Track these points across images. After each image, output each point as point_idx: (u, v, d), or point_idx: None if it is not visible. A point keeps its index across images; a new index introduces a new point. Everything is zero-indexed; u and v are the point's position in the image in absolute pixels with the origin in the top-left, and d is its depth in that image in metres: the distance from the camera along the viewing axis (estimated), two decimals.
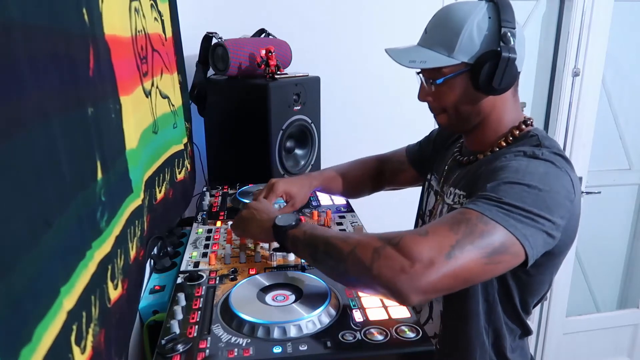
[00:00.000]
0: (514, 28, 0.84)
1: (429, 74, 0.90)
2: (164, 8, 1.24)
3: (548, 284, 0.92)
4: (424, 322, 1.02)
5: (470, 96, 0.88)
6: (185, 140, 1.40)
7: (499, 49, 0.83)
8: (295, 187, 1.12)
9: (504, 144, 0.90)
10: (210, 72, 1.58)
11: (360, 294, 0.80)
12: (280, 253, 0.95)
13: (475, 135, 0.95)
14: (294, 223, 0.84)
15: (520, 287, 0.89)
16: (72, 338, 0.48)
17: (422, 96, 0.95)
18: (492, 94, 0.87)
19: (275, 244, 0.88)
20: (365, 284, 0.71)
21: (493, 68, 0.83)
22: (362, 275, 0.70)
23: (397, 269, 0.66)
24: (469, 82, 0.87)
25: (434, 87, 0.90)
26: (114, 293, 0.64)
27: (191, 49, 1.55)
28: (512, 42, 0.83)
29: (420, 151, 1.23)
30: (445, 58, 0.86)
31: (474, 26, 0.84)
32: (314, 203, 1.28)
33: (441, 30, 0.87)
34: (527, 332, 0.95)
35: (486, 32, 0.84)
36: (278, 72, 1.47)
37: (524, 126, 0.91)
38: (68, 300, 0.47)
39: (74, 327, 0.49)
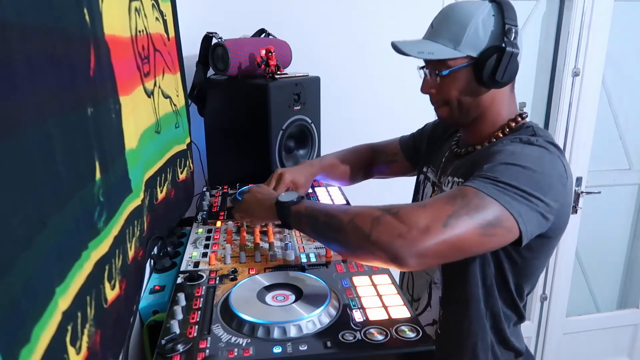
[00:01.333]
0: (516, 26, 0.88)
1: (434, 66, 0.94)
2: (166, 8, 1.24)
3: (541, 270, 0.96)
4: (423, 309, 1.05)
5: (473, 89, 0.92)
6: (188, 140, 1.40)
7: (503, 44, 0.87)
8: (302, 177, 1.17)
9: (501, 135, 0.95)
10: (210, 72, 1.58)
11: (360, 293, 0.80)
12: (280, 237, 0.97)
13: (474, 128, 0.98)
14: (295, 199, 0.88)
15: (515, 271, 0.92)
16: (67, 339, 0.48)
17: (425, 88, 0.98)
18: (494, 87, 0.91)
19: (279, 224, 0.94)
20: (364, 250, 0.76)
21: (497, 62, 0.87)
22: (361, 242, 0.75)
23: (395, 234, 0.72)
24: (472, 75, 0.91)
25: (439, 78, 0.93)
26: (110, 293, 0.64)
27: (191, 49, 1.55)
28: (515, 38, 0.87)
29: (413, 144, 1.27)
30: (452, 51, 0.89)
31: (480, 22, 0.88)
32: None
33: (448, 25, 0.91)
34: (521, 318, 0.99)
35: (492, 28, 0.88)
36: (278, 72, 1.47)
37: (519, 119, 0.96)
38: (63, 300, 0.47)
39: (69, 327, 0.48)
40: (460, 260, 0.85)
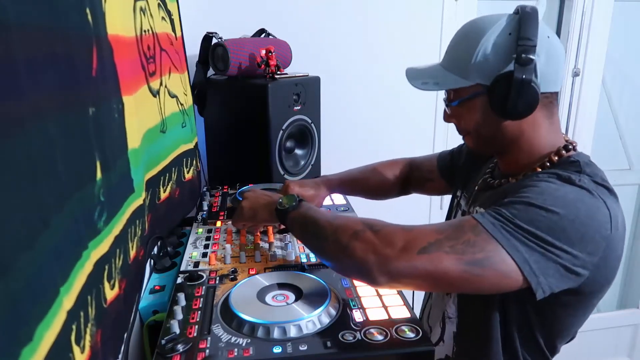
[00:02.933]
0: (535, 45, 0.72)
1: (447, 96, 0.87)
2: (173, 7, 1.24)
3: (578, 326, 0.85)
4: (436, 342, 0.96)
5: (491, 120, 0.80)
6: (195, 139, 1.40)
7: (513, 69, 0.73)
8: (311, 190, 1.13)
9: (539, 169, 0.81)
10: (210, 72, 1.58)
11: (360, 293, 0.81)
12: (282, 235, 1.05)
13: (507, 158, 0.87)
14: (294, 204, 0.88)
15: (544, 325, 0.80)
16: (72, 338, 0.48)
17: (445, 118, 0.91)
18: (512, 119, 0.78)
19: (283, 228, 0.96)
20: (341, 263, 0.75)
21: (506, 91, 0.74)
22: (338, 254, 0.74)
23: (370, 249, 0.70)
24: (487, 105, 0.78)
25: (449, 109, 0.87)
26: (110, 293, 0.64)
27: (191, 49, 1.55)
28: (530, 63, 0.72)
29: (451, 161, 1.15)
30: (459, 79, 0.80)
31: (490, 44, 0.76)
32: None
33: (457, 48, 0.82)
34: None
35: (503, 50, 0.75)
36: (278, 72, 1.47)
37: (564, 151, 0.81)
38: (67, 299, 0.47)
39: (74, 326, 0.49)
40: (478, 296, 0.80)
